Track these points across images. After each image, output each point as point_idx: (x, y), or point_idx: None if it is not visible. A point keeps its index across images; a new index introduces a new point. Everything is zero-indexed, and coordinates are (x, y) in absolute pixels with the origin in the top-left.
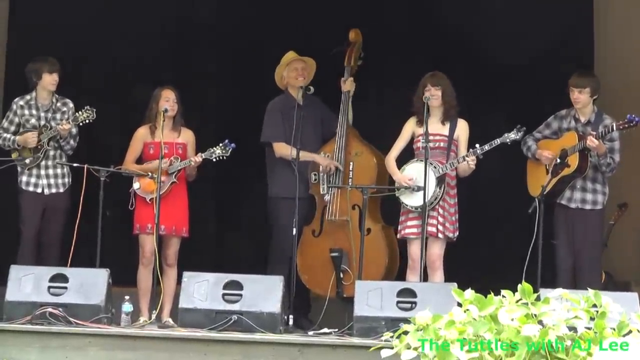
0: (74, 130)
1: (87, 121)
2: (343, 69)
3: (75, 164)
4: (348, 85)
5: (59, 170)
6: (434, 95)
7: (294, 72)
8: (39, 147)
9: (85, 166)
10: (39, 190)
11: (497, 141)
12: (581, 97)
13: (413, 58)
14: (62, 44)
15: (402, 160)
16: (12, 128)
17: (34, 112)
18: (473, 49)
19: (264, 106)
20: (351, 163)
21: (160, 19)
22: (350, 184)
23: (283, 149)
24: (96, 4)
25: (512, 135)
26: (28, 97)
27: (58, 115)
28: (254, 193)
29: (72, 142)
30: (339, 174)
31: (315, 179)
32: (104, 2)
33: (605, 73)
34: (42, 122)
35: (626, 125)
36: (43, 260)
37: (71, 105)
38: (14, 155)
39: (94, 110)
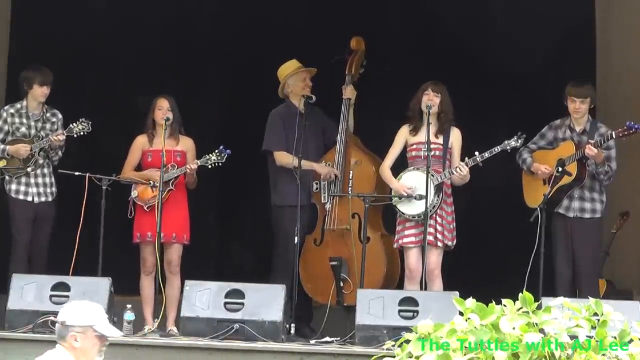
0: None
1: (82, 133)
2: (344, 77)
3: (77, 173)
4: (348, 92)
5: (47, 180)
6: (432, 100)
7: (301, 82)
8: (29, 156)
9: (87, 175)
10: (29, 198)
11: (497, 149)
12: (583, 107)
13: (415, 66)
14: (63, 52)
15: (394, 169)
16: (0, 136)
17: (24, 120)
18: (475, 58)
19: (265, 114)
20: (351, 172)
21: (162, 27)
22: (350, 192)
23: (283, 158)
24: (98, 13)
25: (512, 143)
26: (18, 105)
27: (48, 126)
28: (256, 202)
29: (60, 152)
30: (339, 182)
31: (316, 188)
32: (105, 11)
33: (607, 81)
34: (33, 132)
35: (625, 133)
36: (31, 268)
37: (60, 116)
38: (1, 164)
39: (90, 122)
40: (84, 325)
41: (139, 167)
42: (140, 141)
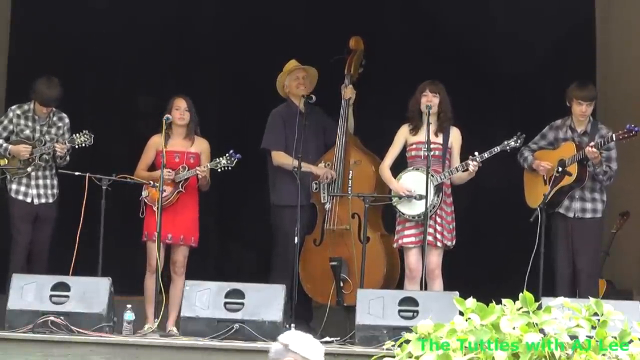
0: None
1: (83, 145)
2: (344, 77)
3: (77, 173)
4: (348, 92)
5: (48, 181)
6: (431, 101)
7: (295, 81)
8: (30, 160)
9: (87, 175)
10: (29, 199)
11: (497, 149)
12: (589, 110)
13: (414, 66)
14: (63, 52)
15: (394, 168)
16: (4, 134)
17: (29, 123)
18: (474, 58)
19: (265, 114)
20: (350, 171)
21: (162, 27)
22: (350, 192)
23: (281, 158)
24: (98, 13)
25: (512, 143)
26: (26, 107)
27: (53, 130)
28: (256, 201)
29: (67, 158)
30: (339, 182)
31: (316, 188)
32: (105, 11)
33: (607, 81)
34: (37, 135)
35: (625, 135)
36: (31, 269)
37: (67, 120)
38: (2, 162)
39: (92, 135)
40: (307, 358)
41: (153, 167)
42: (155, 141)
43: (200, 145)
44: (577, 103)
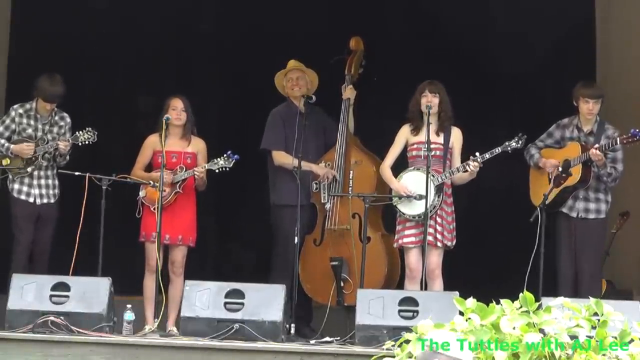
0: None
1: (87, 142)
2: (344, 77)
3: (77, 173)
4: (348, 92)
5: (50, 181)
6: (430, 102)
7: (289, 82)
8: (33, 158)
9: (87, 175)
10: (31, 199)
11: (498, 149)
12: (597, 108)
13: (415, 67)
14: (63, 52)
15: (394, 168)
16: (7, 134)
17: (32, 122)
18: (475, 58)
19: (265, 114)
20: (351, 172)
21: (162, 27)
22: (350, 192)
23: (282, 158)
24: (98, 13)
25: (513, 144)
26: (28, 106)
27: (55, 129)
28: (255, 201)
29: (67, 157)
30: (339, 183)
31: (316, 188)
32: (105, 11)
33: (607, 81)
34: (39, 134)
35: (630, 140)
36: (32, 269)
37: (68, 120)
38: (4, 162)
39: (95, 133)
40: (456, 357)
41: (150, 167)
42: (152, 140)
43: (197, 145)
44: (583, 101)
